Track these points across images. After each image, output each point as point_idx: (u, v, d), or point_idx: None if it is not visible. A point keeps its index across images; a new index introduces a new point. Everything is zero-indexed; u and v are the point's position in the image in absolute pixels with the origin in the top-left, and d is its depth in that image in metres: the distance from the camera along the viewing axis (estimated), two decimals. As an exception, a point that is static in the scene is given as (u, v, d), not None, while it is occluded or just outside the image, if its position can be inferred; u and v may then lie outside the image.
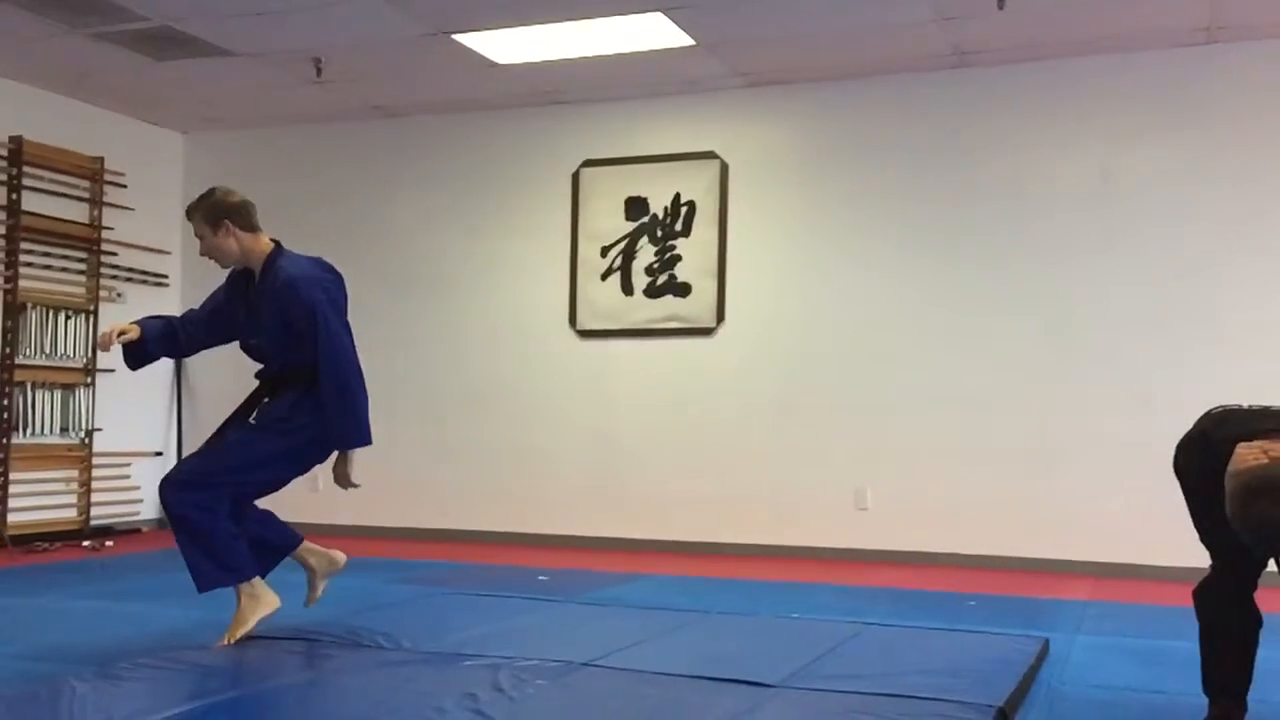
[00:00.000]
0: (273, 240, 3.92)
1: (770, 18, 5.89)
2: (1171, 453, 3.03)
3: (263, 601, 3.84)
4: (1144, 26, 5.95)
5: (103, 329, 3.91)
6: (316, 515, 7.83)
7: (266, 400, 3.91)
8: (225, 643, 3.72)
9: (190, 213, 3.89)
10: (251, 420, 3.89)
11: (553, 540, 7.25)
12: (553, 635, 4.13)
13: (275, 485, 3.93)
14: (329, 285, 3.86)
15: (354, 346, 3.84)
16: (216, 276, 7.99)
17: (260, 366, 4.00)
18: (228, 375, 8.11)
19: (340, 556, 4.16)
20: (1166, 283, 6.21)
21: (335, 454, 3.89)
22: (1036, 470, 6.38)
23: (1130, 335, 6.26)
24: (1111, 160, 6.35)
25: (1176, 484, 3.01)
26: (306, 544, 4.06)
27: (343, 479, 3.89)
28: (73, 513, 7.38)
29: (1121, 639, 4.27)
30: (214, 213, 3.82)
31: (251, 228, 3.87)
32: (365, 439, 3.83)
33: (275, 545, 3.98)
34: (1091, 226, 6.37)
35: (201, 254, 3.90)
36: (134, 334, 3.85)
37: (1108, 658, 3.91)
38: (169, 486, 3.70)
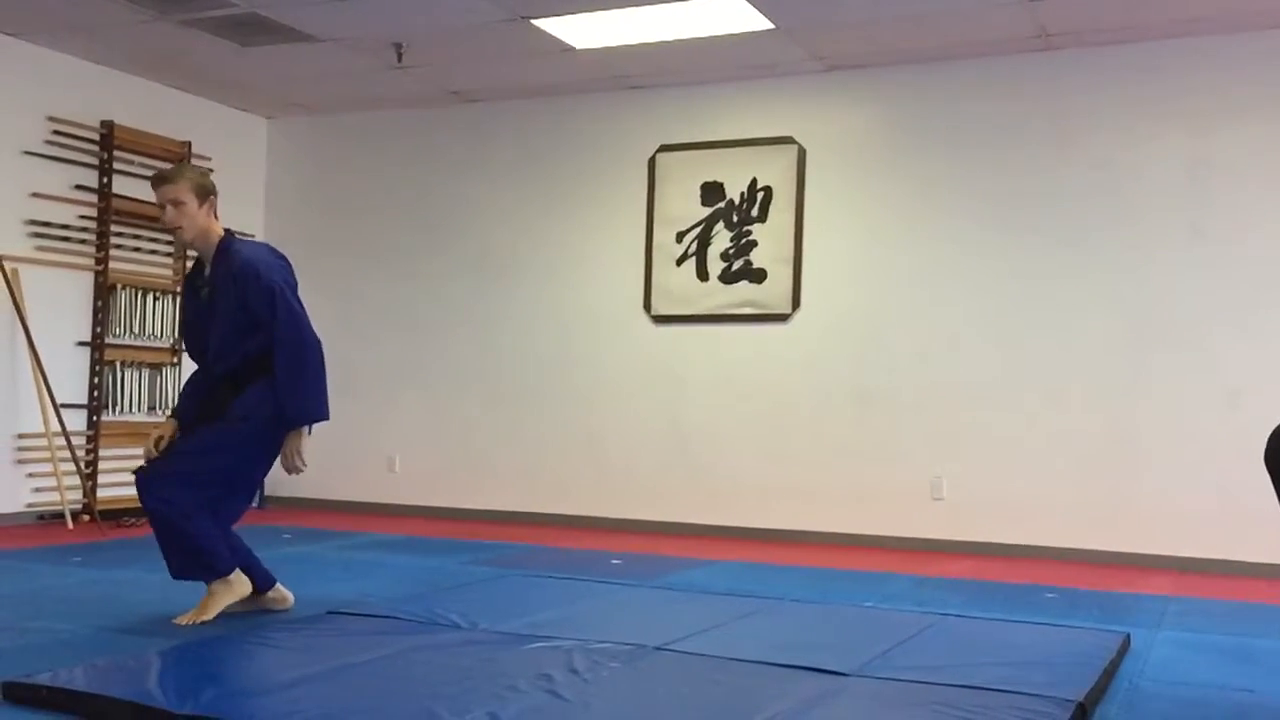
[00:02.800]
0: (225, 229, 3.99)
1: (850, 0, 5.82)
2: (1260, 446, 2.95)
3: (235, 587, 3.91)
4: (1237, 7, 5.78)
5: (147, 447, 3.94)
6: (390, 496, 7.98)
7: (231, 397, 3.89)
8: (186, 622, 3.80)
9: (174, 176, 3.89)
10: (221, 421, 3.87)
11: (625, 525, 7.28)
12: (626, 618, 4.15)
13: (258, 485, 4.05)
14: (282, 268, 3.95)
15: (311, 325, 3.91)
16: (296, 260, 8.13)
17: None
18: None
19: (291, 598, 4.19)
20: (1256, 272, 6.05)
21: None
22: (1118, 461, 6.26)
23: (1218, 325, 6.10)
24: (1201, 146, 6.19)
25: (1264, 477, 2.93)
26: (278, 585, 4.14)
27: (294, 455, 3.87)
28: (159, 489, 7.57)
29: (1205, 635, 4.17)
30: (205, 187, 3.89)
31: (217, 214, 3.96)
32: (325, 413, 3.89)
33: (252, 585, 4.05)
34: (1180, 214, 6.21)
35: (167, 221, 3.87)
36: (172, 429, 3.94)
37: (1191, 654, 3.82)
38: (153, 487, 3.75)
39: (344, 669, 3.16)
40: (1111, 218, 6.34)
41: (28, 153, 6.83)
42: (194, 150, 7.73)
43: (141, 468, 3.85)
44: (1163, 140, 6.27)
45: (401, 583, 4.92)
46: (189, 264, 4.56)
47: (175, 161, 7.64)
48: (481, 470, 7.75)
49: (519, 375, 7.70)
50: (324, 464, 8.17)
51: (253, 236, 8.26)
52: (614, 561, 5.82)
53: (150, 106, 7.50)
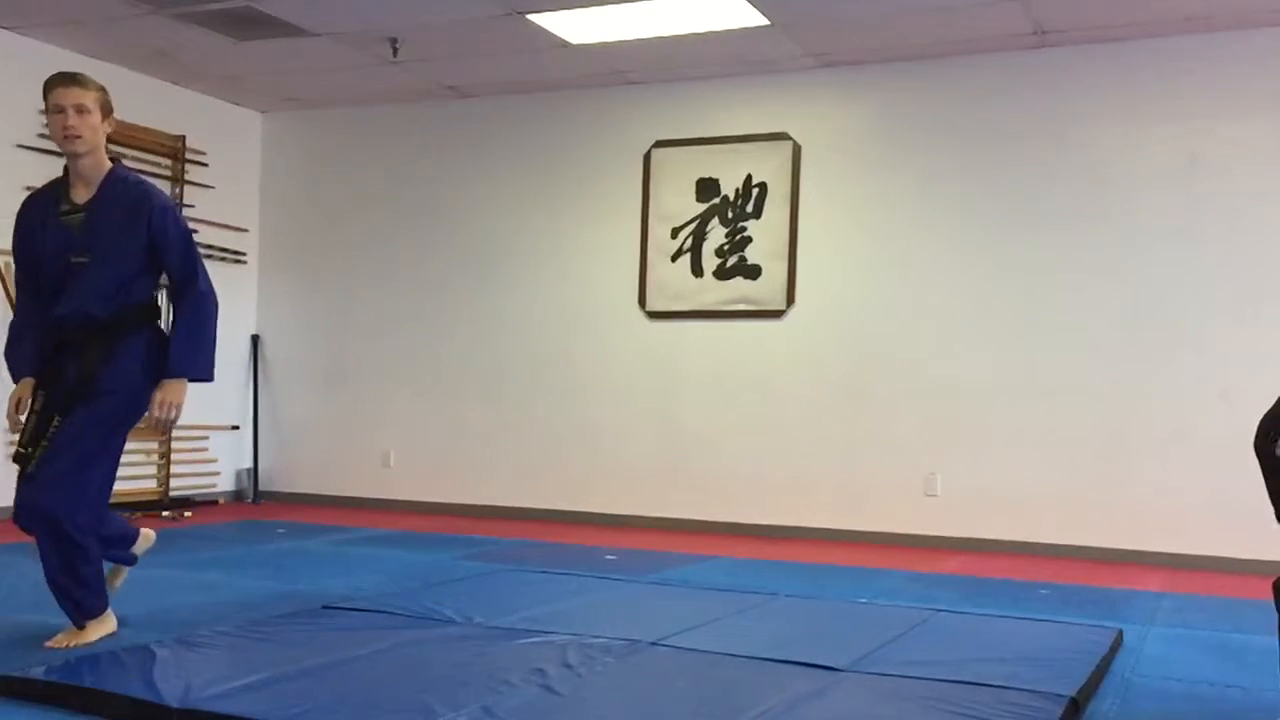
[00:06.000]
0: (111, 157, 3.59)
1: (846, -3, 5.83)
2: (1251, 443, 2.95)
3: (107, 623, 3.56)
4: (1233, 5, 5.79)
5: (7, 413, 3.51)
6: (385, 491, 7.98)
7: (100, 364, 3.42)
8: (63, 646, 3.40)
9: (84, 81, 3.46)
10: (96, 395, 3.41)
11: (619, 520, 7.28)
12: (620, 614, 4.16)
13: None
14: None
15: None
16: (291, 255, 8.12)
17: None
18: (302, 351, 8.27)
19: (153, 535, 3.91)
20: (1251, 270, 6.06)
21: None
22: (1111, 458, 6.28)
23: (1211, 323, 6.12)
24: (1197, 143, 6.20)
25: (1255, 476, 2.93)
26: (142, 533, 3.85)
27: (174, 408, 3.46)
28: (153, 484, 7.56)
29: (1197, 631, 4.19)
30: (109, 104, 3.51)
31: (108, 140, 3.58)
32: (212, 372, 3.61)
33: (124, 535, 3.74)
34: (1175, 211, 6.23)
35: (68, 127, 3.40)
36: (30, 390, 3.48)
37: (1183, 650, 3.84)
38: (64, 505, 3.31)
39: (338, 663, 3.16)
40: (1106, 215, 6.35)
41: (21, 146, 6.81)
42: (188, 144, 7.72)
43: (29, 476, 3.34)
44: (1158, 138, 6.28)
45: (396, 577, 4.92)
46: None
47: (171, 158, 7.64)
48: (476, 465, 7.75)
49: (514, 371, 7.69)
50: (319, 459, 8.19)
51: (247, 231, 8.26)
52: (608, 557, 5.83)
53: (144, 101, 7.48)
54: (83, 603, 3.48)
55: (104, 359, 3.43)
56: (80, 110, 3.42)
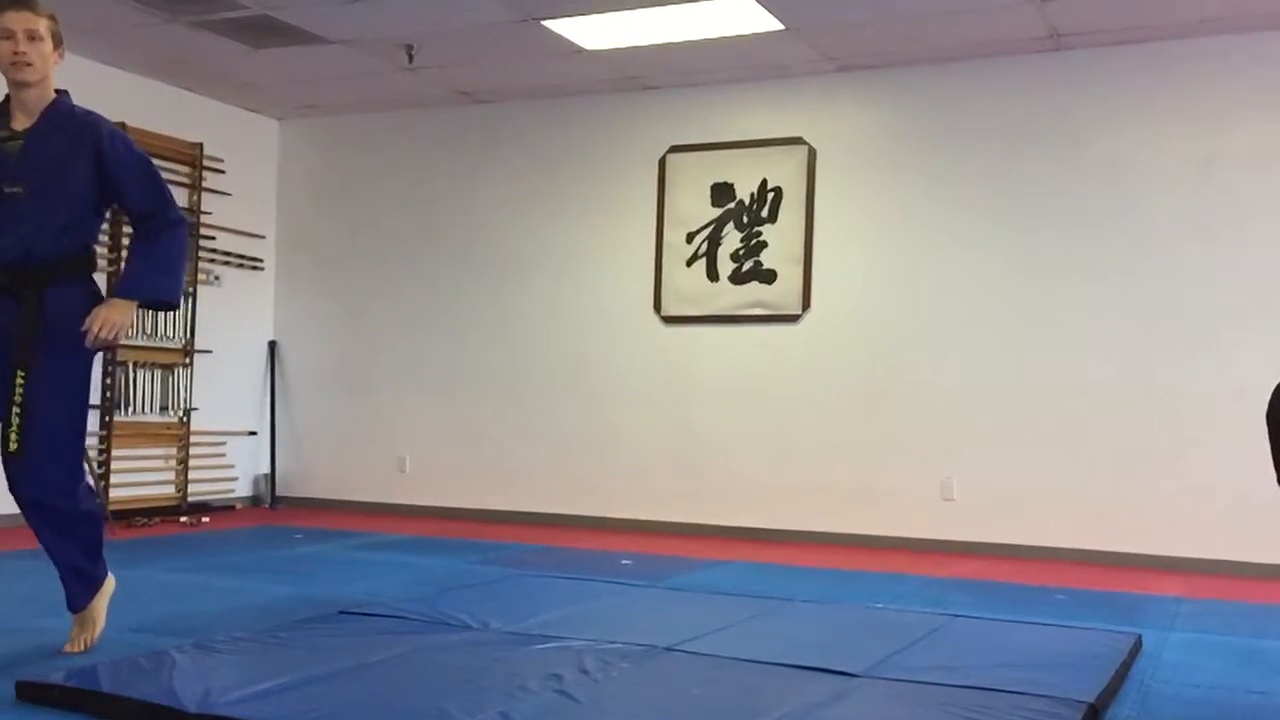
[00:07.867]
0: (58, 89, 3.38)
1: (860, 1, 5.82)
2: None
3: (108, 589, 3.50)
4: (1248, 8, 5.76)
5: None
6: (401, 496, 8.00)
7: (39, 318, 3.21)
8: (80, 649, 3.38)
9: (36, 6, 3.25)
10: (53, 358, 3.22)
11: (635, 525, 7.28)
12: (636, 619, 4.16)
13: None
14: None
15: None
16: (308, 261, 8.16)
17: None
18: (319, 357, 8.29)
19: None
20: (1268, 271, 6.03)
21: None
22: (1128, 463, 6.25)
23: (1228, 325, 6.09)
24: (1211, 146, 6.17)
25: (1274, 480, 2.91)
26: None
27: (115, 328, 3.21)
28: (171, 489, 7.60)
29: (1217, 637, 4.16)
30: (60, 35, 3.31)
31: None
32: (178, 296, 3.46)
33: None
34: (1191, 213, 6.20)
35: (18, 53, 3.20)
36: None
37: (1203, 656, 3.82)
38: (68, 489, 3.27)
39: (355, 669, 3.16)
40: (1122, 218, 6.33)
41: (40, 154, 6.86)
42: (205, 151, 7.76)
43: (15, 455, 3.18)
44: (1173, 140, 6.25)
45: (412, 583, 4.93)
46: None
47: (189, 165, 7.68)
48: (492, 470, 7.76)
49: (529, 376, 7.70)
50: (335, 464, 8.22)
51: (264, 238, 8.30)
52: (624, 562, 5.83)
53: (162, 108, 7.52)
54: (95, 577, 3.45)
55: (41, 312, 3.21)
56: (32, 36, 3.22)
